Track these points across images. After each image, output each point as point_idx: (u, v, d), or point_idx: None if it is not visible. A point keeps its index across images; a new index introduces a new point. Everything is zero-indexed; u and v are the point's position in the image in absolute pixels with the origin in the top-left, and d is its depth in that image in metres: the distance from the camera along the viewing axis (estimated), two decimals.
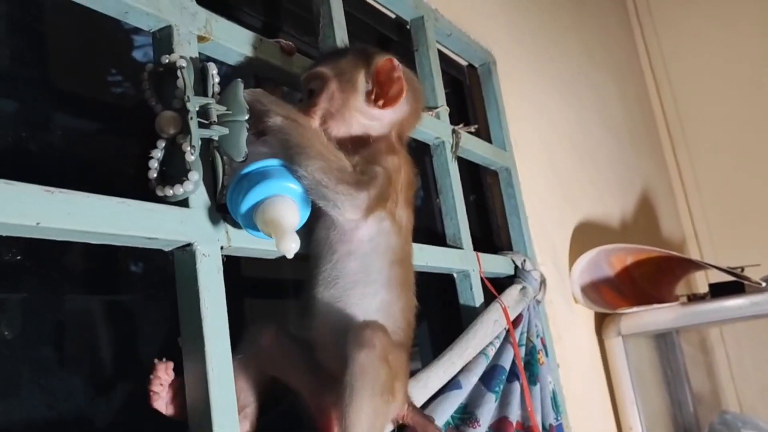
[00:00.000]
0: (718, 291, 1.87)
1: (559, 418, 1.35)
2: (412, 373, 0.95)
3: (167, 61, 0.74)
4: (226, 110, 0.74)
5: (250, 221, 0.72)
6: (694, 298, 1.89)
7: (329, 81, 0.87)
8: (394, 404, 0.80)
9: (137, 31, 0.83)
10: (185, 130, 0.71)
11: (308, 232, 0.82)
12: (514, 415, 1.18)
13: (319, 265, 0.83)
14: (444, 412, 0.97)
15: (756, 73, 3.24)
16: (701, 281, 3.01)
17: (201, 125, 0.72)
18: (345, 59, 0.89)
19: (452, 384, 1.02)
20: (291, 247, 0.69)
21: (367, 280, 0.82)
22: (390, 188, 0.83)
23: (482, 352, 1.13)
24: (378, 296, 0.83)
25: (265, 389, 0.82)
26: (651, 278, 2.09)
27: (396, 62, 0.88)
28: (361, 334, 0.77)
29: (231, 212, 0.74)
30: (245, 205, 0.71)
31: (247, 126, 0.75)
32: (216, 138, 0.74)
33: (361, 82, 0.87)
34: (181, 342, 0.72)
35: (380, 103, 0.87)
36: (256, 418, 0.80)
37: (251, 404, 0.80)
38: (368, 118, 0.87)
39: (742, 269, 1.99)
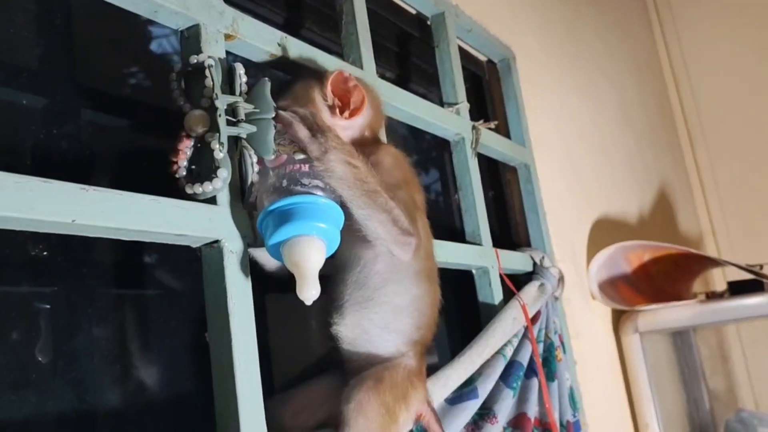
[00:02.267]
0: (737, 289, 1.86)
1: (576, 414, 1.35)
2: (432, 371, 0.96)
3: (195, 61, 0.75)
4: (254, 108, 0.75)
5: (277, 253, 0.73)
6: (712, 296, 1.89)
7: (291, 115, 0.81)
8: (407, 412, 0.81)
9: (157, 25, 0.83)
10: (214, 128, 0.72)
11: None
12: (532, 411, 1.19)
13: (347, 267, 0.84)
14: (459, 425, 0.98)
15: None
16: (718, 279, 2.99)
17: (229, 123, 0.73)
18: (296, 85, 0.90)
19: (470, 392, 1.02)
20: (311, 294, 0.69)
21: (396, 278, 0.84)
22: (414, 204, 0.86)
23: (500, 352, 1.13)
24: (409, 293, 0.84)
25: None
26: (668, 275, 2.09)
27: (346, 72, 0.89)
28: (352, 396, 0.78)
29: (261, 239, 0.74)
30: (272, 240, 0.71)
31: (275, 126, 0.76)
32: (244, 136, 0.75)
33: (319, 99, 0.88)
34: (208, 338, 0.73)
35: (346, 114, 0.88)
36: None
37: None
38: (341, 130, 0.86)
39: (761, 267, 1.98)
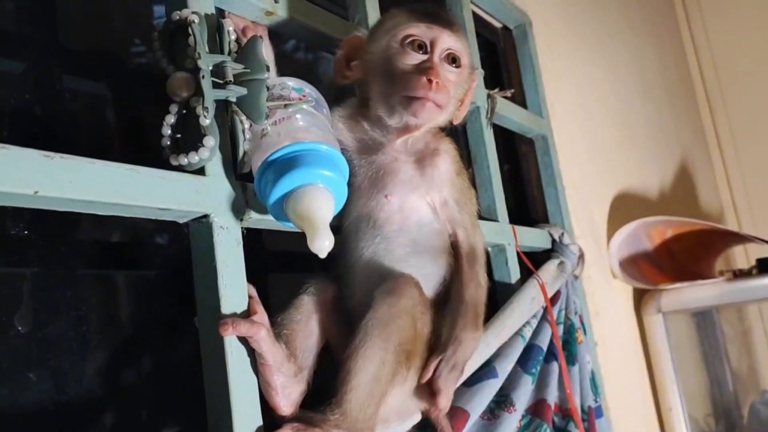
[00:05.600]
0: (766, 266, 1.77)
1: (598, 399, 1.28)
2: None
3: (178, 17, 0.67)
4: (244, 68, 0.67)
5: (280, 212, 0.66)
6: (739, 274, 1.79)
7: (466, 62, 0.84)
8: (408, 372, 0.74)
9: None
10: (198, 92, 0.64)
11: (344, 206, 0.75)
12: (552, 397, 1.12)
13: (362, 239, 0.80)
14: (481, 403, 0.91)
15: None
16: (740, 256, 2.90)
17: (216, 86, 0.65)
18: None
19: (488, 372, 0.96)
20: (324, 245, 0.62)
21: (422, 249, 0.81)
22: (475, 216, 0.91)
23: (519, 333, 1.06)
24: (436, 262, 0.83)
25: (319, 354, 0.76)
26: (691, 252, 2.00)
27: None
28: (394, 282, 0.73)
29: (260, 199, 0.67)
30: (274, 195, 0.64)
31: (268, 86, 0.68)
32: (234, 99, 0.67)
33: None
34: (197, 323, 0.66)
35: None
36: (309, 386, 0.73)
37: (308, 368, 0.73)
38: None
39: None
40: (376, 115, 0.83)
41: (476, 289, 0.84)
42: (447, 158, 0.86)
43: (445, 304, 0.84)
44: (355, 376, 0.67)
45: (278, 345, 0.68)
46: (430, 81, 0.76)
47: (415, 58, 0.79)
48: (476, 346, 0.83)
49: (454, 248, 0.87)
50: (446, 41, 0.80)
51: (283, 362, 0.68)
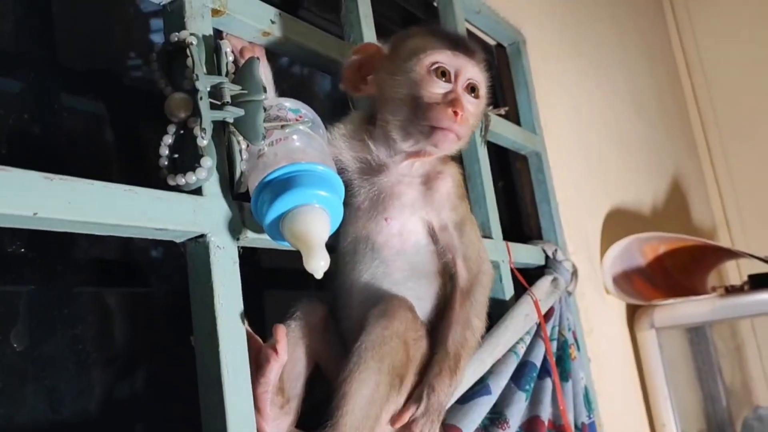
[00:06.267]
0: (758, 283, 1.78)
1: (591, 415, 1.28)
2: None
3: (176, 39, 0.68)
4: (241, 90, 0.68)
5: (277, 232, 0.67)
6: (732, 290, 1.81)
7: (484, 93, 0.84)
8: (400, 397, 0.74)
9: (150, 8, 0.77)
10: (196, 113, 0.65)
11: (340, 226, 0.76)
12: (546, 413, 1.12)
13: (359, 262, 0.80)
14: (474, 420, 0.91)
15: None
16: (732, 272, 2.91)
17: (213, 107, 0.66)
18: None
19: (482, 389, 0.96)
20: (320, 266, 0.63)
21: (419, 273, 0.81)
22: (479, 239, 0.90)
23: (512, 349, 1.06)
24: (433, 285, 0.82)
25: (310, 379, 0.76)
26: (684, 268, 2.01)
27: None
28: (387, 305, 0.73)
29: (257, 219, 0.68)
30: (271, 215, 0.65)
31: (265, 107, 0.69)
32: (231, 120, 0.68)
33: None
34: (193, 341, 0.66)
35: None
36: (298, 414, 0.74)
37: (296, 398, 0.73)
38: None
39: None
40: (385, 136, 0.82)
41: (463, 333, 0.82)
42: (449, 181, 0.85)
43: (434, 332, 0.83)
44: (351, 400, 0.67)
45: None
46: (455, 113, 0.76)
47: (440, 86, 0.78)
48: (452, 391, 0.81)
49: (452, 279, 0.85)
50: (470, 71, 0.80)
51: (274, 395, 0.68)
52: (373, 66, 0.84)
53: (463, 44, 0.82)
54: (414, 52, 0.80)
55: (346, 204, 0.79)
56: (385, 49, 0.85)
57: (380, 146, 0.83)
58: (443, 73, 0.79)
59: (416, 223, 0.82)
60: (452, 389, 0.81)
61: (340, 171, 0.82)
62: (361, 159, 0.83)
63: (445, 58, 0.79)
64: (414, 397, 0.77)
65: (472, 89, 0.81)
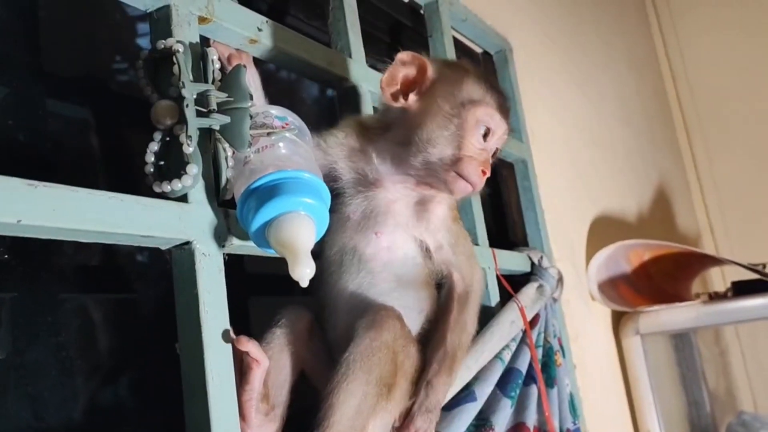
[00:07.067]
0: (741, 289, 1.80)
1: (576, 422, 1.29)
2: None
3: (163, 46, 0.68)
4: (227, 97, 0.68)
5: (262, 239, 0.67)
6: (715, 297, 1.82)
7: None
8: (388, 404, 0.74)
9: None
10: (182, 120, 0.65)
11: (327, 234, 0.76)
12: (531, 420, 1.12)
13: (346, 272, 0.80)
14: (460, 427, 0.91)
15: None
16: (717, 278, 2.94)
17: (200, 114, 0.66)
18: None
19: (467, 395, 0.96)
20: (305, 273, 0.63)
21: (405, 283, 0.81)
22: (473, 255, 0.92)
23: (498, 356, 1.07)
24: (419, 295, 0.83)
25: (295, 386, 0.76)
26: (668, 275, 2.03)
27: None
28: (375, 315, 0.73)
29: (242, 226, 0.68)
30: (256, 222, 0.65)
31: (251, 114, 0.69)
32: (217, 128, 0.68)
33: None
34: (178, 349, 0.66)
35: None
36: (283, 421, 0.74)
37: (281, 405, 0.74)
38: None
39: (764, 266, 1.92)
40: (397, 155, 0.82)
41: (460, 335, 0.85)
42: (444, 205, 0.86)
43: (430, 336, 0.84)
44: (338, 410, 0.67)
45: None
46: (483, 172, 0.79)
47: (479, 142, 0.81)
48: (448, 390, 0.84)
49: (448, 289, 0.87)
50: (503, 136, 0.84)
51: (258, 401, 0.68)
52: (416, 82, 0.84)
53: (508, 108, 0.85)
54: (470, 99, 0.81)
55: (335, 212, 0.79)
56: (432, 70, 0.84)
57: (385, 162, 0.83)
58: (486, 132, 0.81)
59: (407, 239, 0.83)
60: (448, 388, 0.83)
61: (333, 179, 0.82)
62: (358, 170, 0.83)
63: (494, 120, 0.82)
64: (412, 394, 0.79)
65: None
